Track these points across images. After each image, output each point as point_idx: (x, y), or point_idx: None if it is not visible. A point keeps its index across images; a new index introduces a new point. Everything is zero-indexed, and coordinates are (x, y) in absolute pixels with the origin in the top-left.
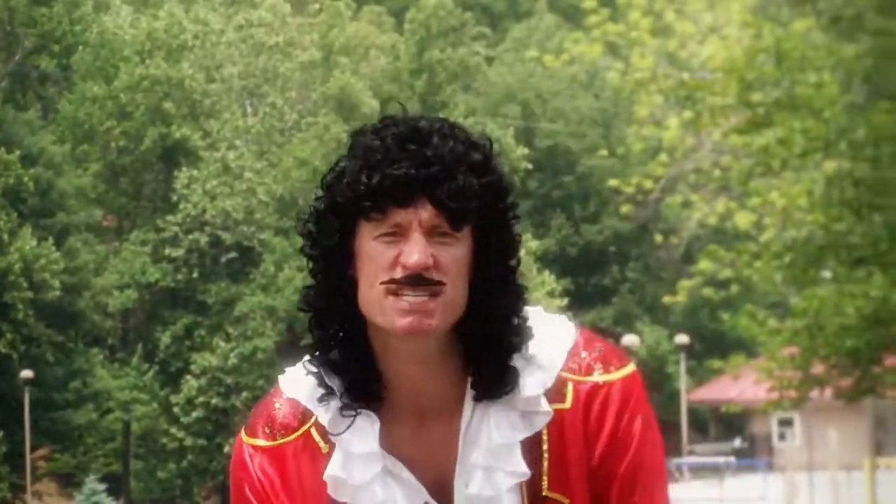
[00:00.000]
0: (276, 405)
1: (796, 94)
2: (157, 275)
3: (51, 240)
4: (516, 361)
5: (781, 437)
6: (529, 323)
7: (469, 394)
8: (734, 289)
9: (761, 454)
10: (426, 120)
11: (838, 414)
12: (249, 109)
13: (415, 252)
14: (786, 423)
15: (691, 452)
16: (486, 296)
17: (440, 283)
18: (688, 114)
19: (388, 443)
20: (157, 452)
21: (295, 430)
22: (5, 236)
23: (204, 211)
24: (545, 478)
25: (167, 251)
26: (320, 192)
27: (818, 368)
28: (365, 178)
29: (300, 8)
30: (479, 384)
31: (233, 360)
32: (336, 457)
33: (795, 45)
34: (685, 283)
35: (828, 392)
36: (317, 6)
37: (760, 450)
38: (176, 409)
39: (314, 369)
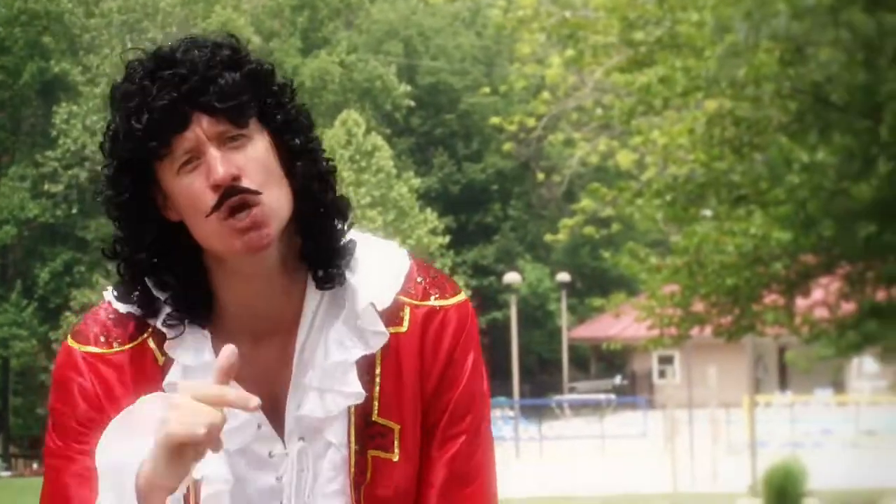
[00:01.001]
0: (110, 316)
1: (678, 33)
2: (37, 210)
3: None
4: (354, 274)
5: (661, 374)
6: (362, 247)
7: (310, 293)
8: (615, 227)
9: (641, 391)
10: (164, 47)
11: (718, 351)
12: (129, 44)
13: (216, 166)
14: (666, 360)
15: (572, 390)
16: (303, 176)
17: (255, 192)
18: (570, 52)
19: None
20: (36, 389)
21: (132, 339)
22: None
23: (84, 146)
24: (376, 402)
25: (46, 186)
26: (105, 161)
27: (698, 306)
28: (135, 122)
29: None
30: (318, 272)
31: None
32: (174, 368)
33: None
34: (567, 222)
35: (708, 330)
36: None
37: (641, 387)
38: (55, 346)
39: (143, 289)
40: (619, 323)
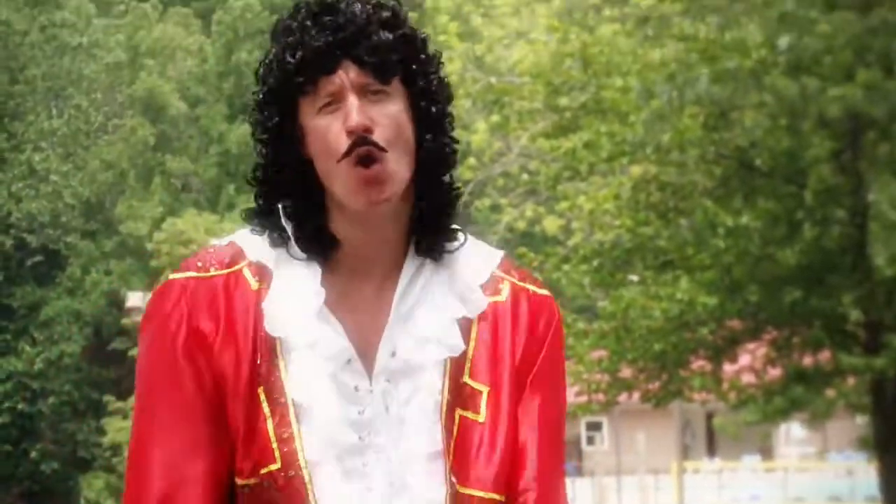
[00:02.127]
0: (213, 247)
1: (602, 98)
2: None
3: None
4: (458, 237)
5: (590, 440)
6: (463, 233)
7: (411, 256)
8: None
9: (570, 458)
10: None
11: (646, 417)
12: (55, 111)
13: (352, 113)
14: (594, 426)
15: None
16: (432, 144)
17: (382, 149)
18: (496, 118)
19: (326, 297)
20: None
21: (228, 266)
22: None
23: (9, 213)
24: (468, 364)
25: None
26: (257, 87)
27: (626, 372)
28: (289, 56)
29: (105, 9)
30: (422, 236)
31: (39, 365)
32: (274, 289)
33: (601, 49)
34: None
35: (636, 395)
36: (122, 7)
37: (569, 453)
38: None
39: (265, 222)
40: None
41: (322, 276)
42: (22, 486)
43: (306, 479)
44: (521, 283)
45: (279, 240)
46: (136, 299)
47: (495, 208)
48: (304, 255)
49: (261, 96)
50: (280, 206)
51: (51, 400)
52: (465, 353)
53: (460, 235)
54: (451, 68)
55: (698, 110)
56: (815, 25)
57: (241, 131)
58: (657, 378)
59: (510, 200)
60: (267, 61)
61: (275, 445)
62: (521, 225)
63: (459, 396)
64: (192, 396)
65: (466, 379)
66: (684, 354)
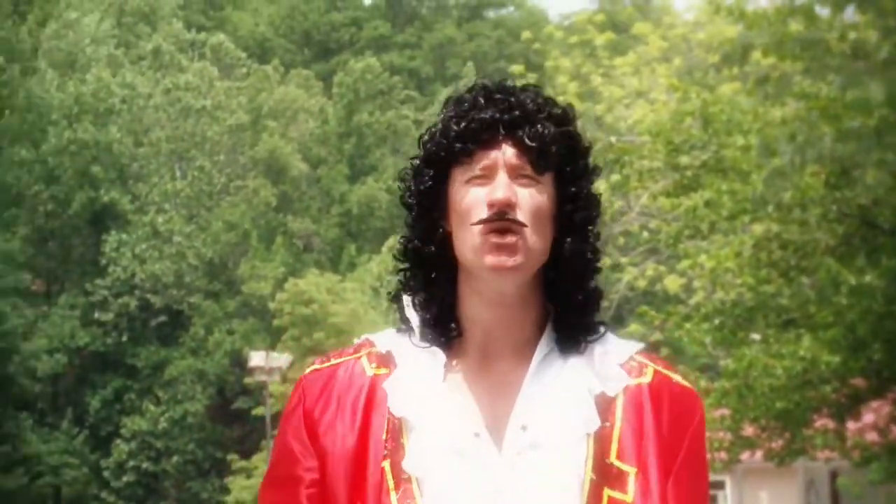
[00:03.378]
0: (341, 347)
1: (723, 156)
2: (87, 339)
3: None
4: (598, 331)
5: (713, 500)
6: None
7: (545, 337)
8: (664, 351)
9: None
10: (509, 81)
11: (769, 476)
12: (178, 173)
13: (499, 188)
14: (717, 485)
15: None
16: (570, 247)
17: (521, 224)
18: (616, 177)
19: (450, 376)
20: None
21: (349, 355)
22: None
23: (133, 275)
24: (615, 444)
25: (96, 315)
26: (416, 154)
27: (748, 430)
28: (454, 125)
29: (228, 72)
30: (561, 331)
31: (163, 424)
32: (397, 372)
33: (722, 108)
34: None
35: (758, 454)
36: (244, 70)
37: None
38: (106, 473)
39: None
40: None
41: (451, 357)
42: None
43: None
44: (666, 371)
45: (405, 329)
46: (258, 358)
47: (616, 267)
48: (425, 344)
49: (418, 161)
50: (408, 297)
51: (175, 459)
52: (609, 433)
53: (601, 329)
54: None
55: (819, 168)
56: None
57: (363, 191)
58: (780, 436)
59: (631, 259)
60: (431, 129)
61: None
62: (642, 284)
63: (606, 476)
64: (297, 487)
65: (613, 459)
66: (807, 412)
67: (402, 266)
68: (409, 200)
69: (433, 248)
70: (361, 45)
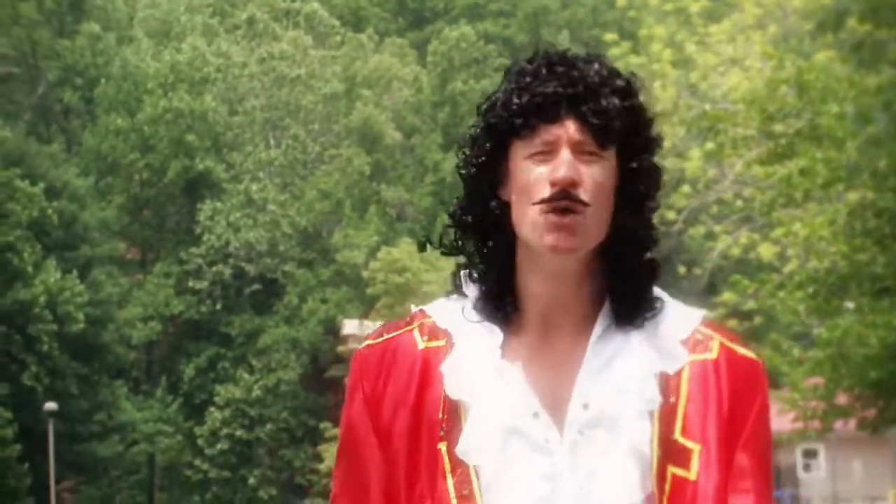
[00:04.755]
0: (395, 320)
1: (818, 124)
2: (181, 307)
3: (75, 272)
4: (656, 306)
5: (806, 468)
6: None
7: (604, 312)
8: (758, 320)
9: (786, 485)
10: (573, 51)
11: (863, 445)
12: (272, 142)
13: (562, 167)
14: (810, 454)
15: None
16: (628, 220)
17: (584, 204)
18: (710, 145)
19: (508, 354)
20: (181, 484)
21: (401, 328)
22: (30, 269)
23: (227, 243)
24: (679, 421)
25: (191, 283)
26: (475, 122)
27: (842, 399)
28: (516, 97)
29: (322, 40)
30: (619, 305)
31: (257, 392)
32: (455, 351)
33: (817, 76)
34: (708, 315)
35: (852, 423)
36: (339, 38)
37: (785, 481)
38: (200, 441)
39: (456, 280)
40: None
41: (508, 334)
42: None
43: None
44: (731, 344)
45: (461, 302)
46: (351, 327)
47: (709, 235)
48: (480, 319)
49: (478, 130)
50: (464, 271)
51: (268, 427)
52: (674, 409)
53: (658, 303)
54: (665, 95)
55: None
56: None
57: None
58: (873, 405)
59: (725, 227)
60: (493, 98)
61: (454, 502)
62: (736, 252)
63: (670, 453)
64: (365, 465)
65: (678, 436)
66: None
67: (459, 236)
68: (468, 170)
69: (490, 220)
70: (456, 14)
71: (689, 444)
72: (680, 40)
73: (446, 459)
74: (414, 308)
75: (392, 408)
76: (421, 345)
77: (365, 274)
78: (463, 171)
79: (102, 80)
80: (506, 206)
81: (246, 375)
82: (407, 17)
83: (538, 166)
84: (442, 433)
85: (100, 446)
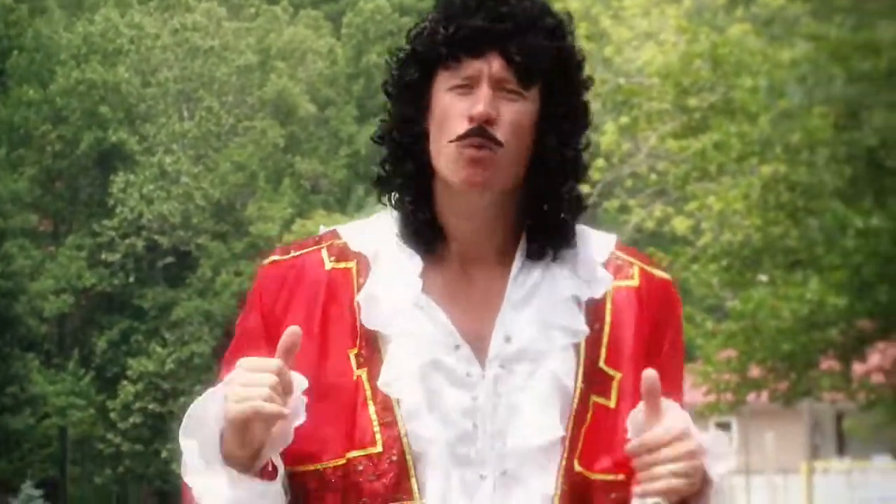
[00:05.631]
0: (315, 235)
1: (732, 98)
2: (94, 279)
3: None
4: (574, 242)
5: None
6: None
7: (522, 245)
8: None
9: None
10: None
11: (775, 417)
12: (186, 113)
13: (480, 103)
14: (723, 426)
15: None
16: (546, 160)
17: (498, 143)
18: (624, 119)
19: (428, 287)
20: (93, 458)
21: (310, 246)
22: None
23: (140, 215)
24: (603, 349)
25: (103, 256)
26: (403, 47)
27: (755, 371)
28: (443, 28)
29: (236, 12)
30: (536, 237)
31: (170, 366)
32: (371, 281)
33: (731, 50)
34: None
35: (764, 395)
36: (253, 10)
37: None
38: (113, 415)
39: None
40: None
41: (428, 266)
42: (153, 486)
43: (409, 463)
44: (648, 268)
45: (386, 229)
46: None
47: (624, 209)
48: (405, 248)
49: (405, 55)
50: (389, 196)
51: (181, 400)
52: (599, 337)
53: (573, 237)
54: None
55: (828, 110)
56: None
57: (371, 132)
58: (786, 378)
59: (639, 201)
60: (421, 25)
61: (377, 429)
62: (650, 225)
63: (593, 382)
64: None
65: (602, 364)
66: (813, 354)
67: (385, 161)
68: (393, 91)
69: (412, 147)
70: None
71: (610, 371)
72: (595, 14)
73: (367, 387)
74: (324, 228)
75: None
76: (328, 265)
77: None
78: (394, 90)
79: (14, 52)
80: (427, 134)
81: (159, 348)
82: None
83: (458, 100)
84: (361, 360)
85: (11, 419)
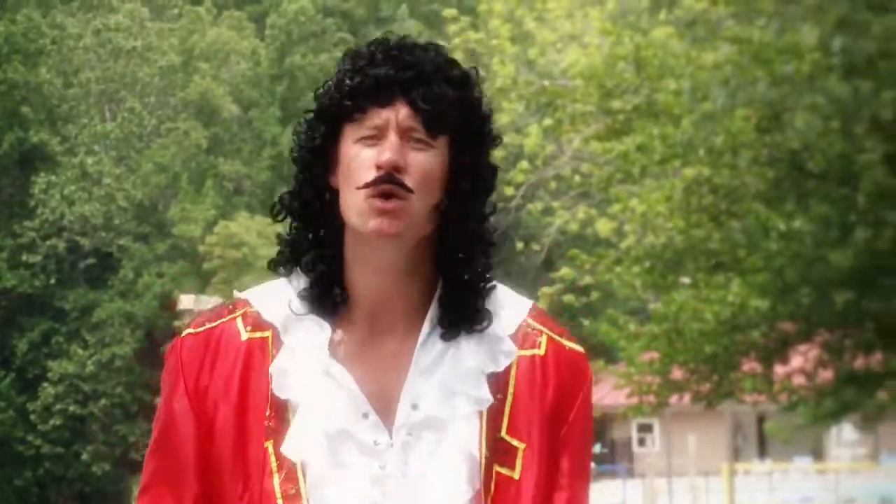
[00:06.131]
0: (224, 303)
1: (655, 100)
2: (14, 281)
3: None
4: (486, 299)
5: (641, 442)
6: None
7: (433, 310)
8: (594, 295)
9: (621, 460)
10: (410, 38)
11: (697, 419)
12: (108, 114)
13: (387, 150)
14: (645, 428)
15: None
16: (456, 215)
17: (408, 189)
18: (548, 121)
19: (336, 351)
20: (13, 460)
21: (224, 317)
22: None
23: (62, 216)
24: (506, 419)
25: (24, 257)
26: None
27: (677, 373)
28: (348, 79)
29: (159, 13)
30: (447, 312)
31: (91, 367)
32: (283, 349)
33: (654, 52)
34: (546, 290)
35: (686, 397)
36: (176, 11)
37: (620, 455)
38: (33, 417)
39: (282, 270)
40: (598, 391)
41: (336, 329)
42: (73, 488)
43: None
44: (558, 338)
45: (287, 292)
46: (188, 301)
47: (547, 211)
48: (307, 311)
49: (312, 117)
50: (295, 257)
51: (102, 402)
52: (502, 407)
53: (487, 315)
54: (504, 71)
55: (751, 112)
56: (869, 28)
57: None
58: (708, 380)
59: (562, 203)
60: (328, 83)
61: (280, 501)
62: (574, 227)
63: (497, 451)
64: (185, 461)
65: (504, 434)
66: (735, 356)
67: (287, 224)
68: (300, 154)
69: (320, 207)
70: None
71: (514, 442)
72: (519, 16)
73: (273, 458)
74: (238, 294)
75: (214, 402)
76: (244, 335)
77: (202, 248)
78: (297, 156)
79: None
80: (335, 194)
81: (80, 350)
82: None
83: (365, 150)
84: (269, 430)
85: None
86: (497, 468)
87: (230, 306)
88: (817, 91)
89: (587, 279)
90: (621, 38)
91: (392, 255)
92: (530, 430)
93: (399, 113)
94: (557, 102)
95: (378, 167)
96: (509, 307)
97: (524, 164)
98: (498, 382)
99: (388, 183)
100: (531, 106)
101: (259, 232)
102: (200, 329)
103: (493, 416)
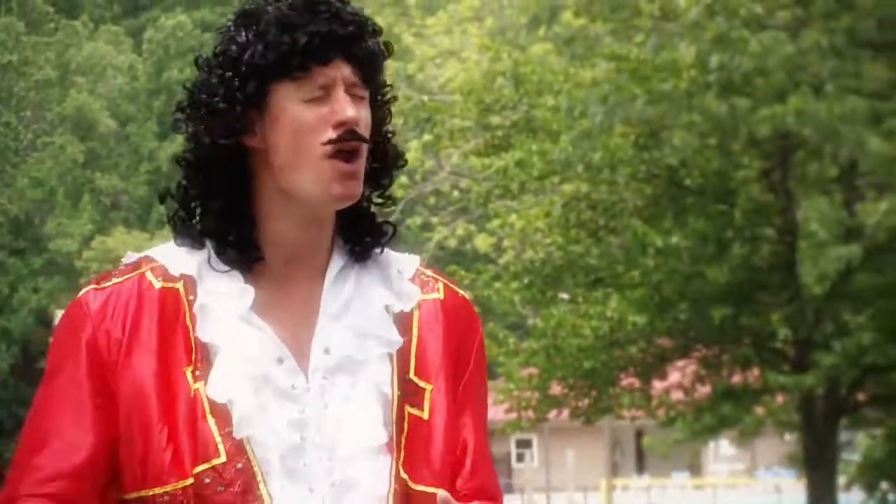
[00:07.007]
0: (123, 263)
1: (534, 117)
2: None
3: None
4: (387, 232)
5: (520, 458)
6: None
7: (337, 255)
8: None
9: (500, 475)
10: None
11: (576, 435)
12: None
13: (346, 107)
14: (524, 444)
15: None
16: (380, 153)
17: (367, 141)
18: (427, 136)
19: (250, 300)
20: None
21: (129, 272)
22: None
23: None
24: (413, 361)
25: None
26: (212, 67)
27: (556, 389)
28: (287, 38)
29: (35, 27)
30: (352, 238)
31: None
32: (200, 296)
33: (532, 68)
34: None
35: (565, 413)
36: (52, 25)
37: (499, 471)
38: None
39: (186, 232)
40: None
41: (248, 282)
42: None
43: (256, 467)
44: (452, 286)
45: (200, 252)
46: None
47: (426, 226)
48: (225, 268)
49: (224, 74)
50: (198, 219)
51: None
52: (408, 349)
53: (387, 229)
54: None
55: (629, 129)
56: (745, 45)
57: (172, 149)
58: (587, 395)
59: (441, 218)
60: (237, 42)
61: (219, 439)
62: (452, 243)
63: (406, 392)
64: (81, 413)
65: (412, 376)
66: (614, 372)
67: (190, 177)
68: (208, 111)
69: (227, 165)
70: (172, 2)
71: (422, 383)
72: (398, 32)
73: (206, 400)
74: (133, 254)
75: (128, 352)
76: (157, 284)
77: (78, 263)
78: (199, 116)
79: None
80: (247, 152)
81: None
82: (122, 4)
83: (312, 110)
84: (198, 373)
85: None
86: (409, 409)
87: (132, 264)
88: (694, 108)
89: (466, 294)
90: (500, 53)
91: (327, 211)
92: (436, 372)
93: (343, 70)
94: (436, 118)
95: (340, 124)
96: (401, 257)
97: (402, 179)
98: (403, 325)
99: (354, 140)
100: (410, 121)
101: (136, 247)
102: (107, 284)
103: (401, 358)
